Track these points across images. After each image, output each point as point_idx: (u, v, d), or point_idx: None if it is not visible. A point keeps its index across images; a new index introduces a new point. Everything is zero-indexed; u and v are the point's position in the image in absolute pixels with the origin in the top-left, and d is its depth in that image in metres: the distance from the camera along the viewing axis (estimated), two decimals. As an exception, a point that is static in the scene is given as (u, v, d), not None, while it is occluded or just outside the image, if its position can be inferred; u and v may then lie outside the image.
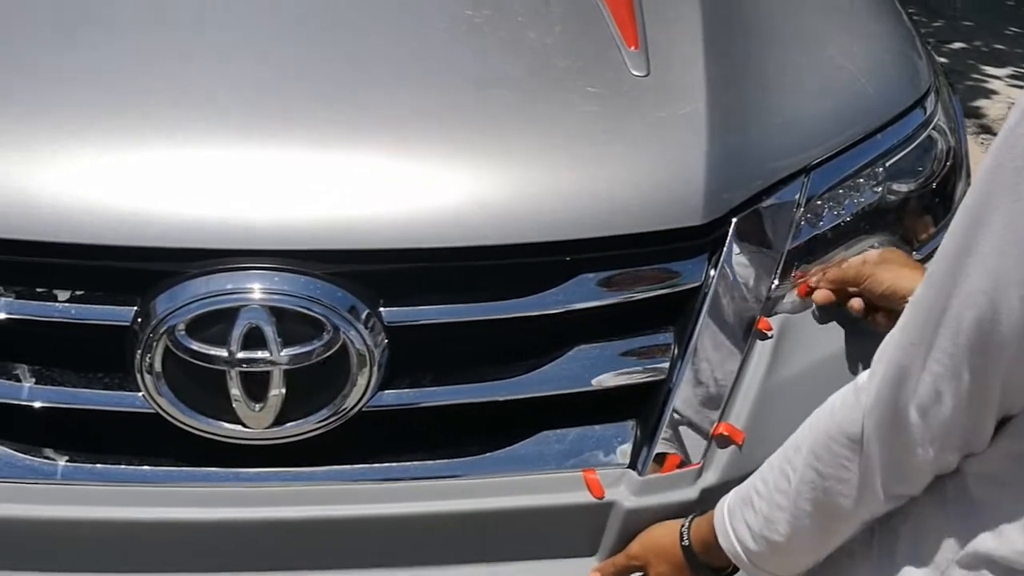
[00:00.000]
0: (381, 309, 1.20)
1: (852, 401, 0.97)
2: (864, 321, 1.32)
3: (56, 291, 1.20)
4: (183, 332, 1.17)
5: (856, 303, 1.33)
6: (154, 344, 1.17)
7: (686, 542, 1.16)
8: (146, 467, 1.22)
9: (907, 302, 1.03)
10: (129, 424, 1.22)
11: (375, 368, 1.19)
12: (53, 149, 1.21)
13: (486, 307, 1.23)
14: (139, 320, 1.18)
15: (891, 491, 0.95)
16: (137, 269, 1.19)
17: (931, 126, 1.53)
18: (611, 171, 1.26)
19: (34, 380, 1.21)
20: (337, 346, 1.17)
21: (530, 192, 1.23)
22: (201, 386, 1.19)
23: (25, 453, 1.21)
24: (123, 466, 1.22)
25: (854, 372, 1.31)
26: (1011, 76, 5.40)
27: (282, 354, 1.16)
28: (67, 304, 1.19)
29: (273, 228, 1.18)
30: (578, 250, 1.24)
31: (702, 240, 1.28)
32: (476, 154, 1.25)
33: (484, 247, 1.21)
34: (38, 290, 1.19)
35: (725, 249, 1.29)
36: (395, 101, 1.29)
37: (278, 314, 1.17)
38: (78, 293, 1.20)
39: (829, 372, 1.30)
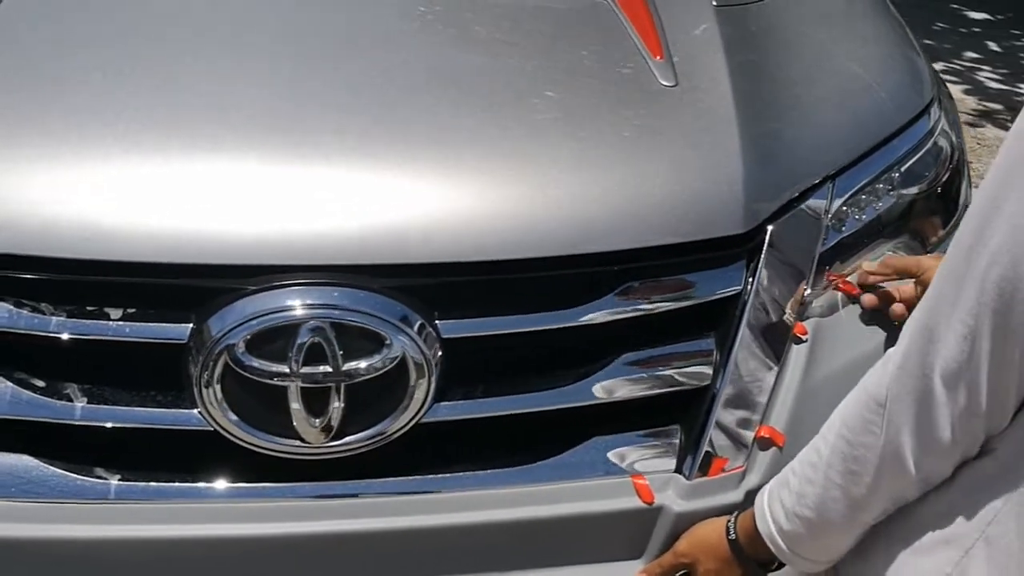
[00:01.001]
0: (437, 322, 1.21)
1: (880, 369, 1.01)
2: (895, 321, 1.37)
3: (109, 310, 1.18)
4: (243, 349, 1.16)
5: (898, 308, 1.37)
6: (212, 362, 1.16)
7: (732, 536, 1.19)
8: (201, 484, 1.21)
9: None
10: (182, 442, 1.21)
11: (432, 380, 1.20)
12: (104, 168, 1.20)
13: (537, 318, 1.24)
14: (196, 337, 1.17)
15: (922, 465, 0.98)
16: (193, 286, 1.18)
17: (938, 130, 1.59)
18: (656, 183, 1.28)
19: (86, 400, 1.20)
20: (397, 360, 1.18)
21: (579, 205, 1.25)
22: (259, 402, 1.19)
23: (77, 473, 1.19)
24: (177, 483, 1.21)
25: None
26: (943, 72, 5.57)
27: (343, 368, 1.17)
28: (121, 323, 1.18)
29: (329, 243, 1.18)
30: (625, 260, 1.26)
31: (741, 248, 1.32)
32: (525, 168, 1.26)
33: (535, 259, 1.23)
34: (90, 309, 1.18)
35: (763, 256, 1.32)
36: (440, 118, 1.30)
37: (337, 329, 1.17)
38: (131, 311, 1.19)
39: (862, 370, 1.33)
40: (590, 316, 1.26)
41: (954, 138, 1.62)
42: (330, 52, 1.39)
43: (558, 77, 1.41)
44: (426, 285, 1.21)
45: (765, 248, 1.33)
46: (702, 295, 1.30)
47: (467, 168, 1.25)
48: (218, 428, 1.19)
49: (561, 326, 1.25)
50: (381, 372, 1.18)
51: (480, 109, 1.33)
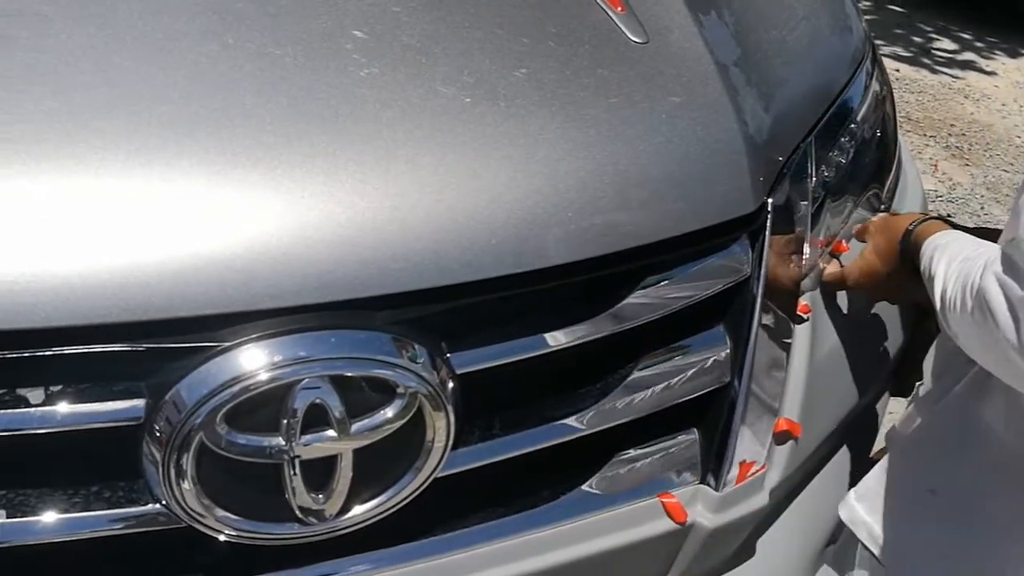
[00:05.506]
0: (448, 355, 1.00)
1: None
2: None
3: (25, 392, 0.89)
4: (223, 424, 0.91)
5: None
6: (183, 442, 0.90)
7: (912, 227, 1.23)
8: (173, 593, 0.96)
9: None
10: (141, 544, 0.95)
11: (451, 425, 0.99)
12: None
13: (554, 336, 1.05)
14: (156, 415, 0.91)
15: None
16: (143, 350, 0.90)
17: (875, 72, 1.51)
18: (665, 166, 1.11)
19: (4, 514, 0.90)
20: (413, 409, 0.97)
21: (591, 201, 1.05)
22: (238, 481, 0.94)
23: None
24: (138, 598, 0.95)
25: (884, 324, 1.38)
26: None
27: (353, 430, 0.94)
28: (45, 408, 0.89)
29: (318, 276, 0.93)
30: (643, 257, 1.09)
31: (748, 228, 1.18)
32: (527, 165, 1.04)
33: (549, 269, 1.03)
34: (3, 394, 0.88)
35: (767, 234, 1.19)
36: (412, 115, 1.03)
37: (337, 383, 0.94)
38: (55, 390, 0.89)
39: (862, 335, 1.28)
40: (613, 324, 1.08)
41: (883, 79, 1.55)
42: (259, 21, 1.09)
43: (523, 50, 1.16)
44: (432, 314, 0.99)
45: (768, 224, 1.20)
46: (716, 285, 1.15)
47: (461, 179, 1.01)
48: (193, 522, 0.94)
49: (579, 340, 1.07)
50: (397, 428, 0.96)
51: (457, 94, 1.07)
